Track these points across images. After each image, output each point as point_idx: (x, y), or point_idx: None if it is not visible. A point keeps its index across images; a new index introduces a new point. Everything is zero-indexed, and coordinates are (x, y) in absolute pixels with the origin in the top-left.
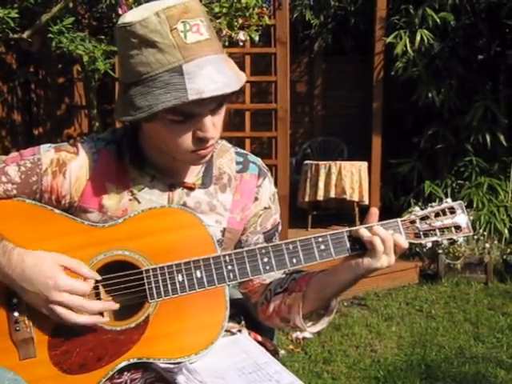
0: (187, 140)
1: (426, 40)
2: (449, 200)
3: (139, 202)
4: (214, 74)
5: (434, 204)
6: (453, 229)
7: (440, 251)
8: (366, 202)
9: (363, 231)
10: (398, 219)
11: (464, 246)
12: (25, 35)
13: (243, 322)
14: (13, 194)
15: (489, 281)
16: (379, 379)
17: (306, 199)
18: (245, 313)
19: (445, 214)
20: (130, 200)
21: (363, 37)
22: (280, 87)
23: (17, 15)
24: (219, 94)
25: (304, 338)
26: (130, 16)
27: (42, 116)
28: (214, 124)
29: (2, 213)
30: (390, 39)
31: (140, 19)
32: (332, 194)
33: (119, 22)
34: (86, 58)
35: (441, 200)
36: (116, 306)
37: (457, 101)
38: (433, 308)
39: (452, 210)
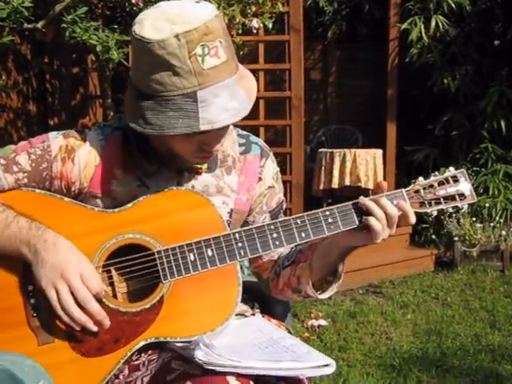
0: (191, 149)
1: (441, 26)
2: (451, 169)
3: (148, 188)
4: (227, 102)
5: (437, 173)
6: (457, 196)
7: (456, 239)
8: None
9: (372, 206)
10: (403, 189)
11: (480, 233)
12: (39, 25)
13: (257, 309)
14: (23, 182)
15: (505, 268)
16: (395, 367)
17: (321, 187)
18: (257, 298)
19: (448, 182)
20: (139, 186)
21: (377, 23)
22: (294, 75)
23: (31, 4)
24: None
25: (319, 326)
26: (148, 28)
27: (57, 106)
28: (218, 137)
29: (13, 204)
30: (404, 25)
31: (159, 39)
32: (347, 182)
33: (136, 31)
34: (99, 48)
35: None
36: (108, 323)
37: (472, 87)
38: (448, 296)
39: (455, 179)
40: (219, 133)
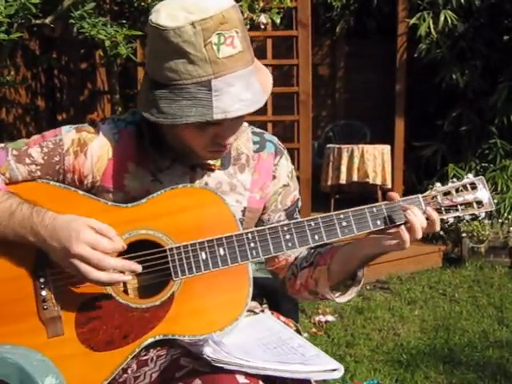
0: (205, 142)
1: (449, 21)
2: (470, 176)
3: (161, 183)
4: (242, 92)
5: (455, 179)
6: (474, 204)
7: (464, 235)
8: (389, 185)
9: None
10: (419, 195)
11: (488, 229)
12: (47, 21)
13: (265, 304)
14: (37, 175)
15: None
16: (402, 363)
17: (329, 183)
18: (266, 294)
19: (466, 189)
20: (152, 181)
21: (386, 18)
22: (302, 70)
23: (39, 1)
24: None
25: (327, 322)
26: (164, 17)
27: (65, 102)
28: (232, 129)
29: (27, 195)
30: (413, 21)
31: (174, 26)
32: (355, 178)
33: (153, 19)
34: (107, 43)
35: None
36: (138, 267)
37: (481, 82)
38: (456, 292)
39: (473, 186)
40: (232, 125)
